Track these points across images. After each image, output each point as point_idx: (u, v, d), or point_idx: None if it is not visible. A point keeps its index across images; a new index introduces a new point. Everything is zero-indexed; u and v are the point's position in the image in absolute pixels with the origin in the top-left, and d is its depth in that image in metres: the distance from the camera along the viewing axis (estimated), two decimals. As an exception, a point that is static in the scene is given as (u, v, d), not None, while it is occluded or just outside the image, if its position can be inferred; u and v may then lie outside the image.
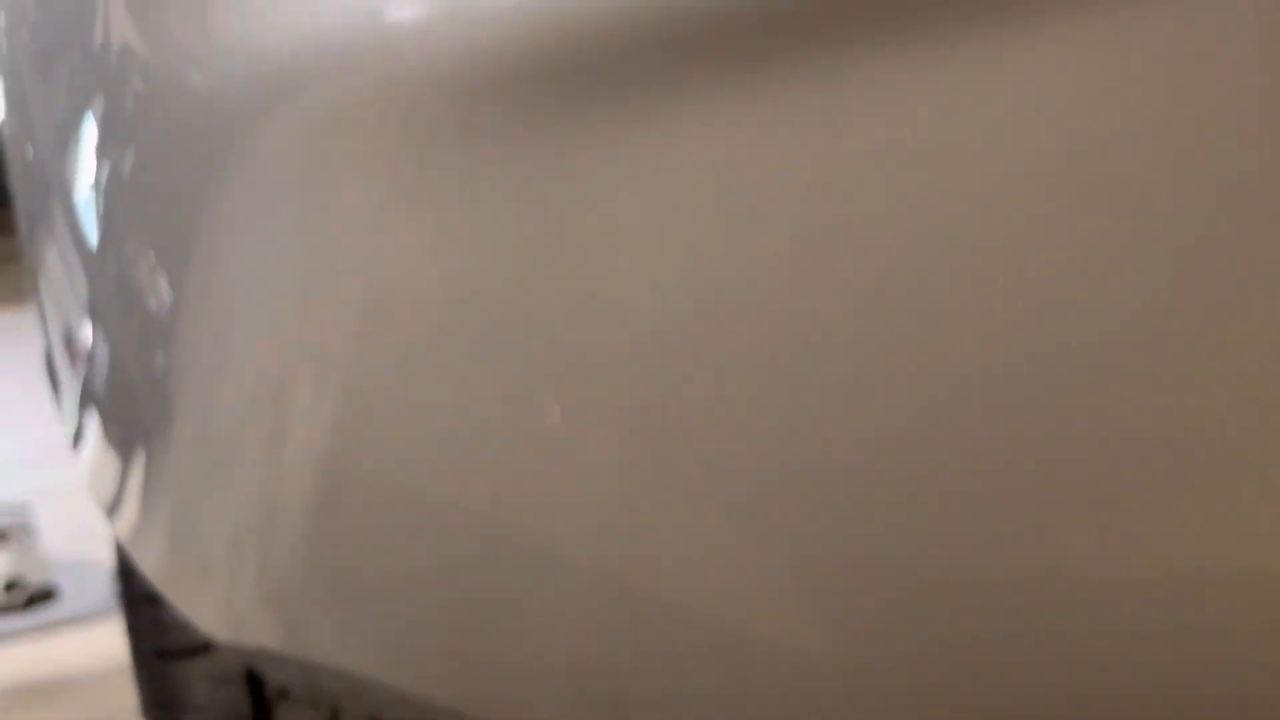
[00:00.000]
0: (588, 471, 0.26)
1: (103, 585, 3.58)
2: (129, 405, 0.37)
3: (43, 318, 0.43)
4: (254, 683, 0.63)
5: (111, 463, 0.40)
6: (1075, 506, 0.21)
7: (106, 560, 1.96)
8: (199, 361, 0.32)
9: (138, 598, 0.67)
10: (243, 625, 0.38)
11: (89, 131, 0.35)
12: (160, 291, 0.32)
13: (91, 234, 0.37)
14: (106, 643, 3.17)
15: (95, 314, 0.37)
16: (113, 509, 0.42)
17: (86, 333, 0.38)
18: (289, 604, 0.36)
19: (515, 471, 0.27)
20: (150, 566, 0.41)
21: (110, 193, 0.35)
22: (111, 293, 0.36)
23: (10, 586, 3.97)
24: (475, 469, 0.27)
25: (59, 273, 0.40)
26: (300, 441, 0.30)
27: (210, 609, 0.39)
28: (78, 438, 0.43)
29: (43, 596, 3.94)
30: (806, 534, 0.24)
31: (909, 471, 0.22)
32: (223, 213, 0.30)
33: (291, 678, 0.45)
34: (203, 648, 0.64)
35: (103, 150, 0.34)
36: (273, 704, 0.63)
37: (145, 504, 0.39)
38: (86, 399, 0.40)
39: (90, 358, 0.38)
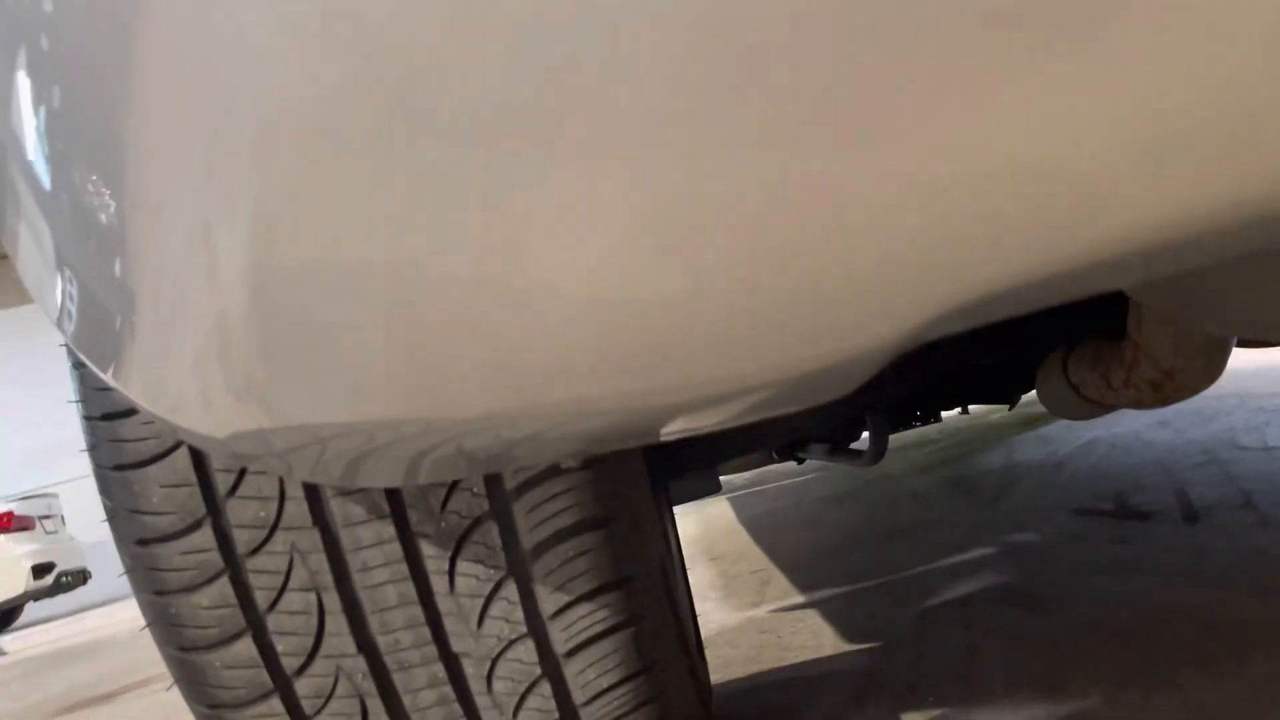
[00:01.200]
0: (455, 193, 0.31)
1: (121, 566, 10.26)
2: (104, 270, 0.41)
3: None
4: (205, 483, 0.71)
5: (96, 326, 0.44)
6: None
7: None
8: (143, 234, 0.39)
9: (96, 420, 0.72)
10: (224, 418, 0.44)
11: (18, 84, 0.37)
12: (103, 200, 0.38)
13: (44, 180, 0.41)
14: (135, 610, 4.60)
15: (63, 245, 0.43)
16: (104, 363, 0.47)
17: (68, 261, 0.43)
18: (261, 387, 0.41)
19: (409, 230, 0.32)
20: (141, 396, 0.46)
21: (49, 134, 0.39)
22: (70, 222, 0.41)
23: (40, 572, 8.55)
24: (374, 235, 0.33)
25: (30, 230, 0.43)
26: (235, 261, 0.36)
27: (194, 413, 0.45)
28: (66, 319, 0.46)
29: (73, 580, 8.92)
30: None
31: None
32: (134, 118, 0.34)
33: (257, 460, 0.50)
34: (154, 458, 0.71)
35: (35, 97, 0.38)
36: (222, 500, 0.72)
37: (129, 354, 0.44)
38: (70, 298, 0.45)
39: (71, 278, 0.44)
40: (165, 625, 0.78)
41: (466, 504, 0.76)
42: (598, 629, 0.81)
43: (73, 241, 0.45)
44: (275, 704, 0.79)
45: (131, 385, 0.49)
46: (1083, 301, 1.26)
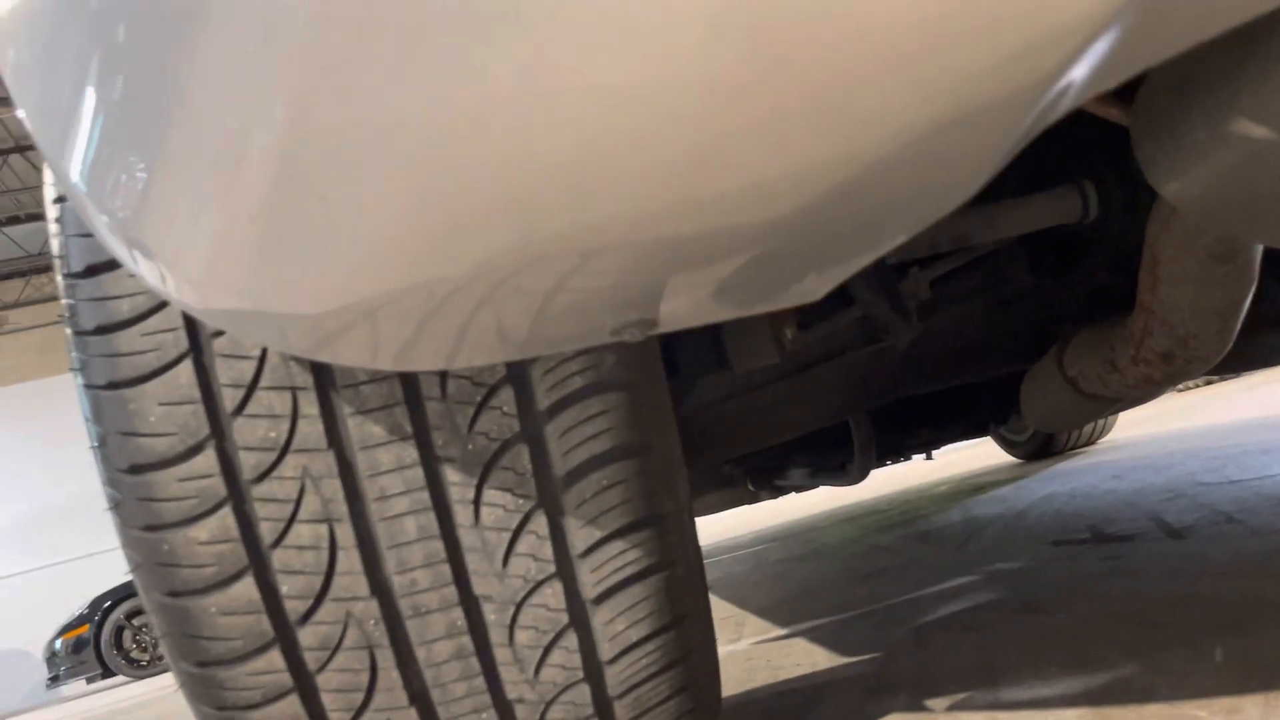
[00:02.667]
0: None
1: (34, 676, 9.64)
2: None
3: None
4: (209, 401, 0.67)
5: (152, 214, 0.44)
6: None
7: (37, 651, 10.01)
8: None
9: (88, 334, 0.69)
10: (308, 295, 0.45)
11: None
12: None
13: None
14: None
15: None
16: (162, 254, 0.47)
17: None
18: (332, 263, 0.43)
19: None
20: (208, 290, 0.48)
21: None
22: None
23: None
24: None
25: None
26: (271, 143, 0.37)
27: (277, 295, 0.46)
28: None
29: None
30: None
31: None
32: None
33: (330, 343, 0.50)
34: (154, 373, 0.67)
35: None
36: (228, 419, 0.67)
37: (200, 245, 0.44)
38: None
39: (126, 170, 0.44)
40: (155, 566, 0.70)
41: (496, 424, 0.71)
42: (630, 570, 0.75)
43: (129, 131, 0.43)
44: (275, 657, 0.71)
45: (196, 274, 0.47)
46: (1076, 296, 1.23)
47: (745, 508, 3.87)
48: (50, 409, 12.24)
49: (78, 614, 8.46)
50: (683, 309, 0.55)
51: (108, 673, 8.26)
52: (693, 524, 0.85)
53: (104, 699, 6.96)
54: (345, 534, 0.70)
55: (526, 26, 0.32)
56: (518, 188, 0.38)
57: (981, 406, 1.88)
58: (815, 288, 0.56)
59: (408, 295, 0.47)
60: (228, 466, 0.69)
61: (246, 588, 0.70)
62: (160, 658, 8.24)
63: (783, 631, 1.67)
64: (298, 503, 0.69)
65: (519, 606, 0.73)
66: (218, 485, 0.69)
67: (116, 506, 0.71)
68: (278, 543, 0.70)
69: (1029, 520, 2.30)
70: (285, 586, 0.70)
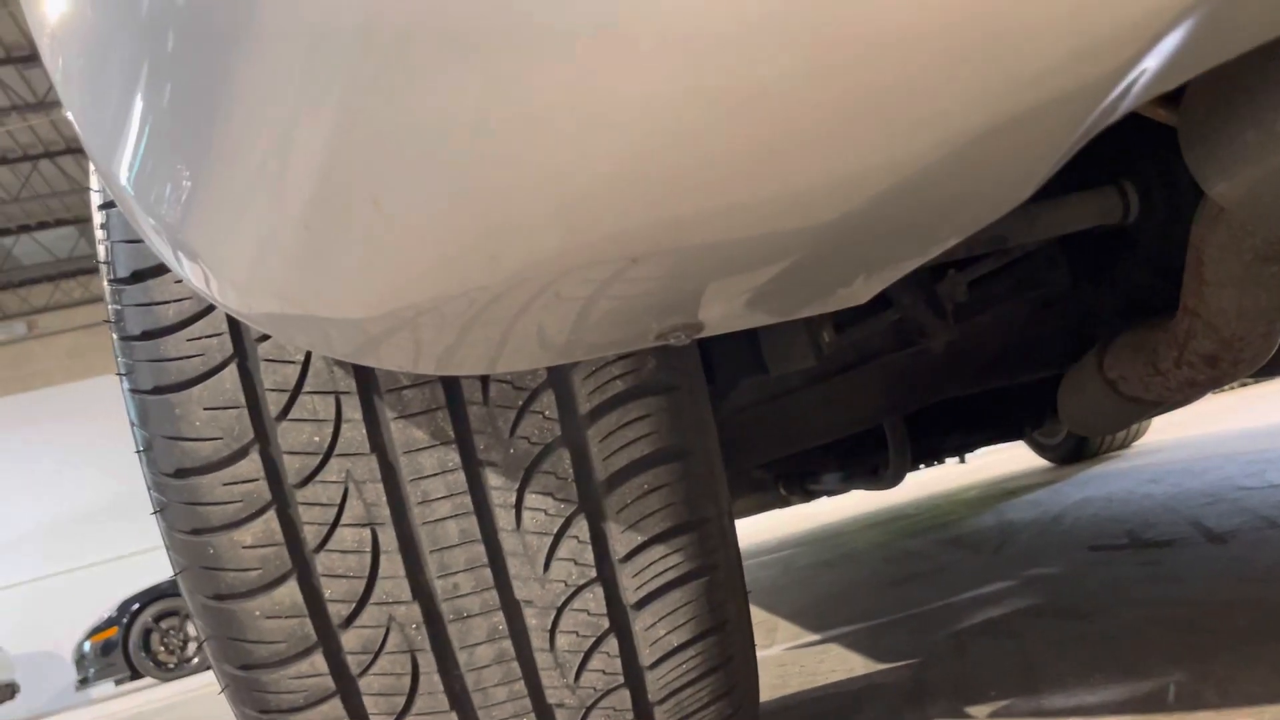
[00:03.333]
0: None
1: (62, 678, 9.69)
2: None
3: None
4: (253, 405, 0.68)
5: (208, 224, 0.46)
6: None
7: (65, 653, 10.14)
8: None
9: (134, 339, 0.70)
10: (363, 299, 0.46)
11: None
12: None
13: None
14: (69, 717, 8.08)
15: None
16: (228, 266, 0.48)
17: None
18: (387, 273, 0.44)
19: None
20: (271, 294, 0.49)
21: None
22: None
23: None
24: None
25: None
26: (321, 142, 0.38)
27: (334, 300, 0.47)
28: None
29: (2, 694, 8.77)
30: None
31: None
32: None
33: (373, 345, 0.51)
34: (199, 378, 0.68)
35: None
36: (272, 424, 0.68)
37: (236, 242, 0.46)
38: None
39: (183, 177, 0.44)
40: (199, 570, 0.71)
41: (537, 429, 0.71)
42: (671, 575, 0.75)
43: (178, 136, 0.44)
44: (318, 660, 0.72)
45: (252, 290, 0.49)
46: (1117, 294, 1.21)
47: (768, 513, 3.88)
48: (76, 414, 12.41)
49: (106, 616, 8.56)
50: (729, 312, 0.55)
51: (135, 675, 8.34)
52: (733, 528, 0.85)
53: (132, 700, 7.02)
54: (388, 538, 0.70)
55: (572, 35, 0.33)
56: (565, 193, 0.39)
57: (1017, 409, 1.87)
58: (863, 291, 0.56)
59: (453, 300, 0.47)
60: (272, 470, 0.69)
61: (290, 591, 0.70)
62: (186, 660, 8.32)
63: (816, 637, 1.67)
64: (341, 507, 0.70)
65: (560, 611, 0.73)
66: (262, 489, 0.69)
67: (162, 510, 0.72)
68: (321, 546, 0.70)
69: (1065, 525, 2.28)
70: (328, 590, 0.71)
